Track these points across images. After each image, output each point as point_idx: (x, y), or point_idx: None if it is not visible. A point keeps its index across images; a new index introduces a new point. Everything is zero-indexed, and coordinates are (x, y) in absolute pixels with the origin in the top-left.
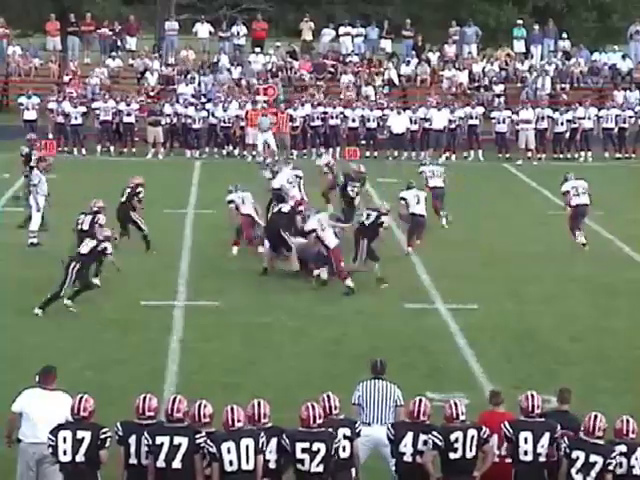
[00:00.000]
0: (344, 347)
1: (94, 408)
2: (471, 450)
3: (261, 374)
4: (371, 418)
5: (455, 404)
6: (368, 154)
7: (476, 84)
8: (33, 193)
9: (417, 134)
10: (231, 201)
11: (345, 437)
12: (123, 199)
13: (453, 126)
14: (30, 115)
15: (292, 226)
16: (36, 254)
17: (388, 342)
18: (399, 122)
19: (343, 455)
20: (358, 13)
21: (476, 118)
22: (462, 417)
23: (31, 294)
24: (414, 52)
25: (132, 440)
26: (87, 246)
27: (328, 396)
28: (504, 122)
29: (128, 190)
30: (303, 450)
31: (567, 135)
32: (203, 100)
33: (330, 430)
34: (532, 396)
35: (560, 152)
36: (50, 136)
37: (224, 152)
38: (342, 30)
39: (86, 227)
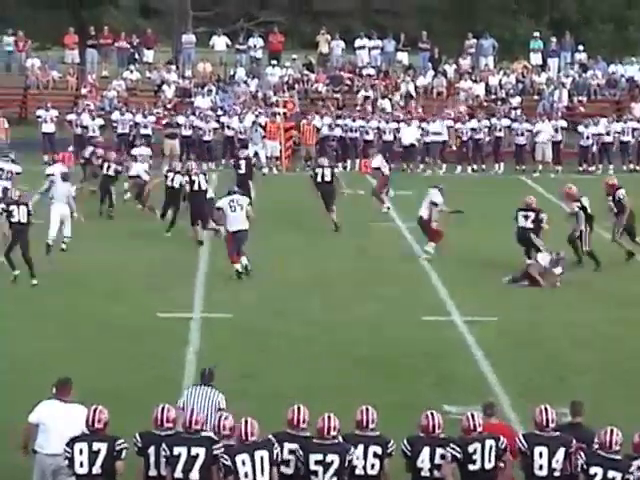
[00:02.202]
0: (358, 357)
1: (109, 419)
2: (490, 461)
3: (275, 384)
4: None
5: (472, 416)
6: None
7: (493, 96)
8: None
9: (428, 146)
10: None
11: (375, 455)
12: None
13: (465, 138)
14: (48, 128)
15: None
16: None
17: (403, 354)
18: (408, 134)
19: (371, 472)
20: (374, 25)
21: (500, 130)
22: (479, 429)
23: (42, 299)
24: (430, 64)
25: (151, 451)
26: None
27: (367, 409)
28: (523, 135)
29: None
30: (316, 462)
31: (594, 149)
32: (220, 113)
33: (344, 442)
34: (546, 410)
35: (588, 165)
36: (71, 148)
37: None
38: (358, 42)
39: (177, 185)
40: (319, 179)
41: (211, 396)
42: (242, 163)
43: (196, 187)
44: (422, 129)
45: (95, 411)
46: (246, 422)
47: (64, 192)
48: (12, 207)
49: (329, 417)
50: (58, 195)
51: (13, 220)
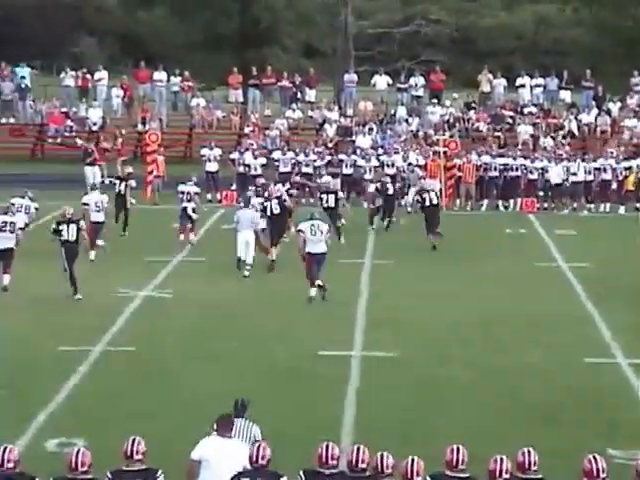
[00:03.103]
0: (518, 401)
1: (271, 457)
2: None
3: (436, 426)
4: None
5: None
6: (546, 205)
7: None
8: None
9: (592, 185)
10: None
11: None
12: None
13: (621, 177)
14: (212, 167)
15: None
16: (215, 303)
17: (565, 397)
18: (555, 173)
19: None
20: (537, 64)
21: None
22: None
23: (204, 340)
24: (594, 102)
25: None
26: None
27: (529, 451)
28: None
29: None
30: None
31: None
32: (380, 151)
33: None
34: None
35: None
36: (234, 187)
37: (402, 202)
38: (520, 81)
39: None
40: (427, 203)
41: (247, 428)
42: (389, 186)
43: (268, 212)
44: (568, 168)
45: (259, 448)
46: (412, 461)
47: (249, 218)
48: (62, 226)
49: (501, 459)
50: (243, 222)
51: (62, 239)
